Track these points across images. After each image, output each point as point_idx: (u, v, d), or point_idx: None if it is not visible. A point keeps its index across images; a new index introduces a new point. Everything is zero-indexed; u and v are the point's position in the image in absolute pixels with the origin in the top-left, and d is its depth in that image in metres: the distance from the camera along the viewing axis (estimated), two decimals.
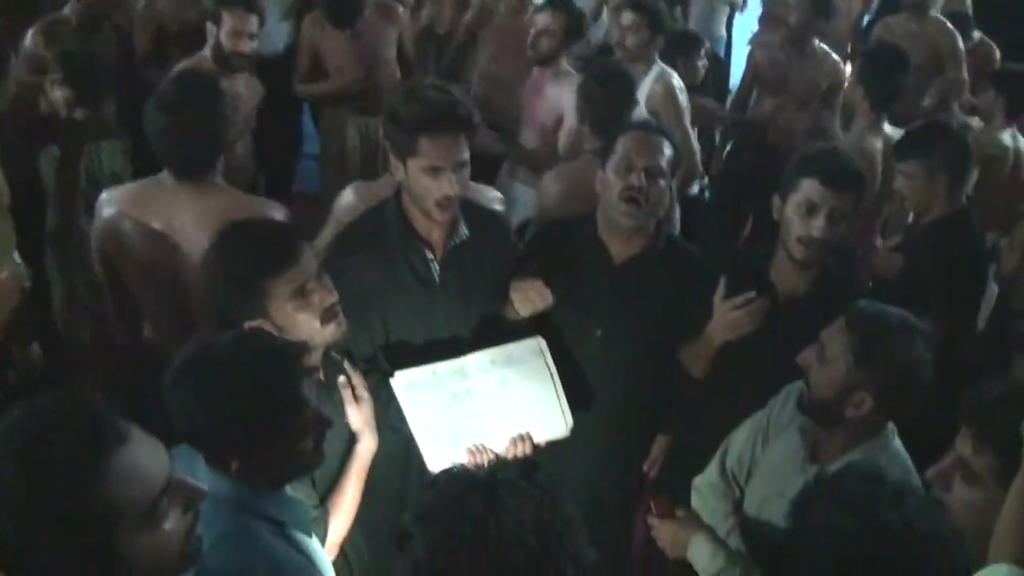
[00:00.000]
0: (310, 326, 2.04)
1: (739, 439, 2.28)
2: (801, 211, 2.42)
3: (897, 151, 3.26)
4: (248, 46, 3.83)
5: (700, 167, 4.17)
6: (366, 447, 2.21)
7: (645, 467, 2.85)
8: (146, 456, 1.28)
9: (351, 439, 2.21)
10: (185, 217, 2.62)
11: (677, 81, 4.11)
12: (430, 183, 2.35)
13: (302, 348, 1.82)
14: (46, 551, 1.21)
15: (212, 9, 3.87)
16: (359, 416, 2.20)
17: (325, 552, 2.08)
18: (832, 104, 4.77)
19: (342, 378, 2.21)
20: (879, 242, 3.90)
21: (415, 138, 2.31)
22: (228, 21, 3.78)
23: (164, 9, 4.58)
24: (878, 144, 3.88)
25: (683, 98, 4.10)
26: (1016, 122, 4.27)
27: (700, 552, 2.13)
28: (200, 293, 2.54)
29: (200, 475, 1.64)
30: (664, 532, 2.24)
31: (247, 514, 1.65)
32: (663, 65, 4.14)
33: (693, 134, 4.15)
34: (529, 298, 2.45)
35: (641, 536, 2.73)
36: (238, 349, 1.67)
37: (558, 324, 2.58)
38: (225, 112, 2.71)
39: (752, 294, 2.43)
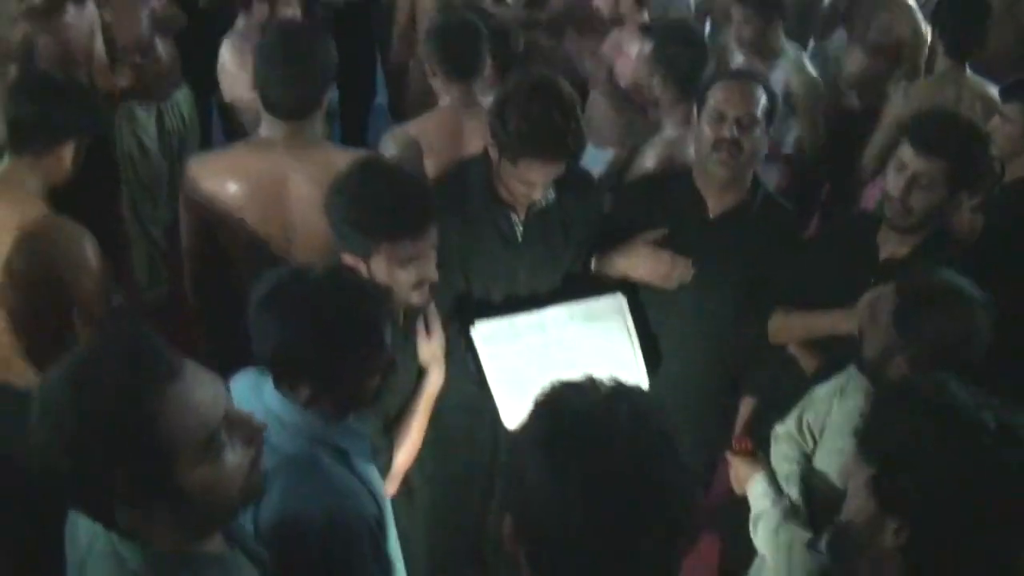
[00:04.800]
0: (400, 289, 2.07)
1: (820, 392, 2.28)
2: (894, 169, 2.44)
3: (1004, 92, 3.21)
4: None
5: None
6: (433, 382, 2.27)
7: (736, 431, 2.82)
8: (201, 388, 1.27)
9: (420, 377, 2.27)
10: (296, 176, 2.59)
11: (810, 66, 3.90)
12: (519, 186, 2.37)
13: (389, 293, 1.89)
14: (104, 483, 1.21)
15: None
16: (428, 350, 2.26)
17: (388, 482, 2.17)
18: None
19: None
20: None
21: (518, 154, 2.29)
22: None
23: None
24: (950, 91, 3.77)
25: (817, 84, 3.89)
26: None
27: (755, 490, 2.18)
28: (308, 251, 2.56)
29: (267, 398, 1.72)
30: (734, 468, 2.30)
31: (312, 440, 1.71)
32: (794, 49, 3.87)
33: None
34: (660, 273, 2.51)
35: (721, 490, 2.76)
36: (332, 281, 1.73)
37: None
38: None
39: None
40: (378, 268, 2.05)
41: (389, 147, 3.02)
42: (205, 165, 2.66)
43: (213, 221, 2.61)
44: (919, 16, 4.58)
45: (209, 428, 1.27)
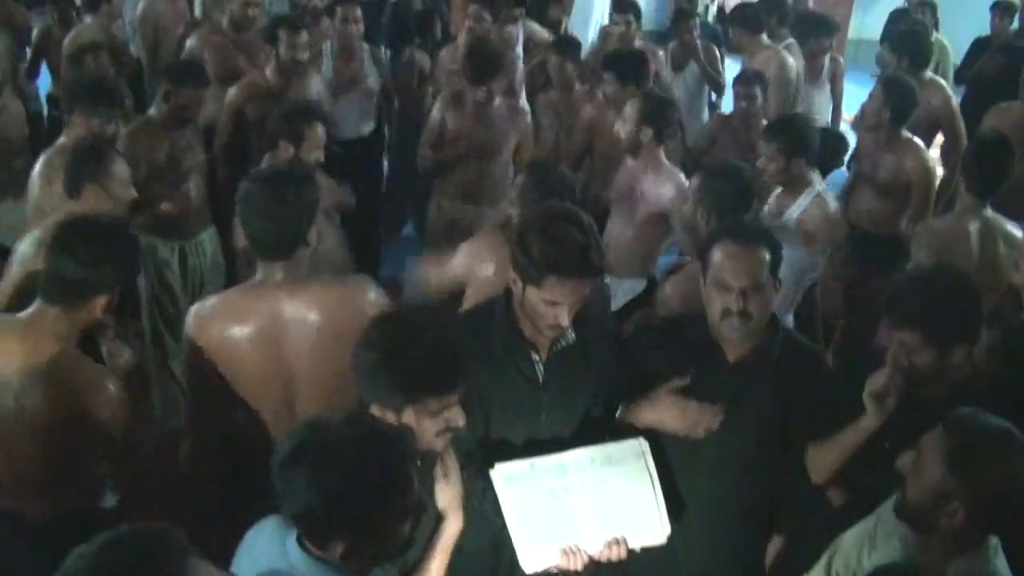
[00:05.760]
0: (427, 435, 2.09)
1: (847, 541, 2.25)
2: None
3: None
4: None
5: None
6: (452, 527, 2.24)
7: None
8: None
9: (438, 520, 2.24)
10: (291, 315, 2.63)
11: (833, 204, 3.96)
12: (547, 311, 2.38)
13: (410, 433, 1.90)
14: None
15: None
16: (445, 496, 2.24)
17: None
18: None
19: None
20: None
21: (543, 275, 2.33)
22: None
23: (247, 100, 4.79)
24: (972, 227, 3.85)
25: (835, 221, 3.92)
26: None
27: None
28: (309, 387, 2.63)
29: (292, 555, 1.70)
30: None
31: None
32: (819, 186, 3.91)
33: None
34: (687, 424, 2.49)
35: None
36: (352, 432, 1.74)
37: None
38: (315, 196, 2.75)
39: None
40: (408, 419, 2.07)
41: None
42: (206, 308, 2.72)
43: (219, 363, 2.66)
44: (927, 155, 4.69)
45: None
